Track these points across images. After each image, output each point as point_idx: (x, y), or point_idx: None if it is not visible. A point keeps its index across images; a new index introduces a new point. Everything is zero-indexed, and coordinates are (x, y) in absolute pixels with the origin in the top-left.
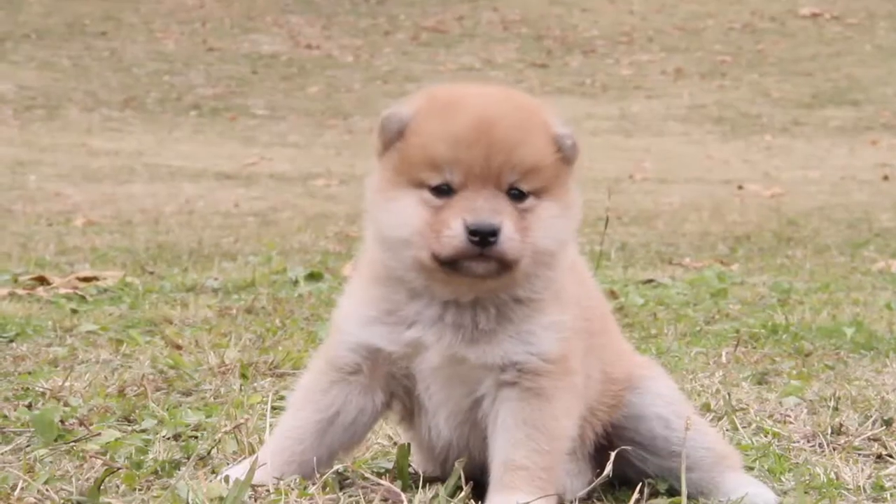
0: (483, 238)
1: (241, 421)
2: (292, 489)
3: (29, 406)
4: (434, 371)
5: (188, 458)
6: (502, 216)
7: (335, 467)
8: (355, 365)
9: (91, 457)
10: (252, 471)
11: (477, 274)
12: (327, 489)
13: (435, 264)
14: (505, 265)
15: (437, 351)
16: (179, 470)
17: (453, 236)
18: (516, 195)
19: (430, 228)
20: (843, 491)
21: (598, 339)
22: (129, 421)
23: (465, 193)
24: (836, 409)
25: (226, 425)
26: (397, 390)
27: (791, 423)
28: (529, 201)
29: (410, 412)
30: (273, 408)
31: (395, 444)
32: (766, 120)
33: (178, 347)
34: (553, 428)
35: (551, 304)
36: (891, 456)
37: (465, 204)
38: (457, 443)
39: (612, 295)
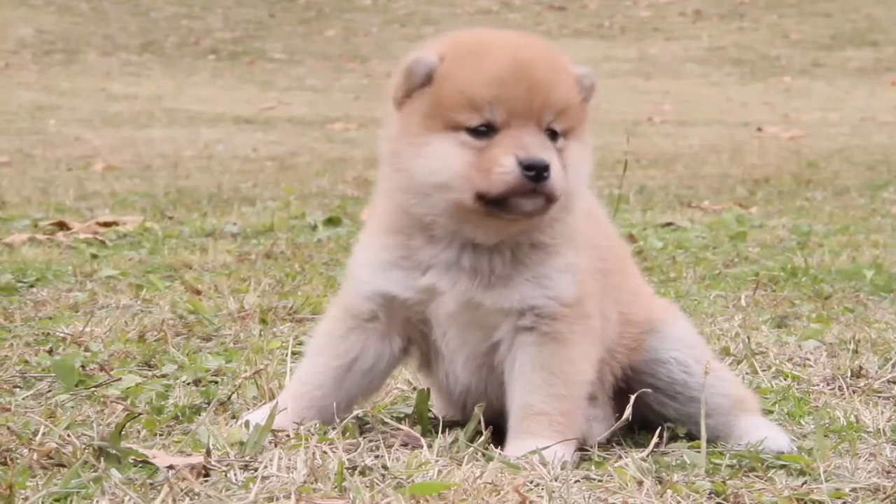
0: (538, 173)
1: (261, 366)
2: (312, 434)
3: (50, 351)
4: (450, 317)
5: (208, 404)
6: (550, 152)
7: (355, 412)
8: (371, 312)
9: (112, 402)
10: (272, 416)
11: (525, 210)
12: (347, 434)
13: (477, 204)
14: (550, 201)
15: (452, 297)
16: (200, 415)
17: (506, 172)
18: (551, 135)
19: (476, 168)
20: (862, 434)
21: (615, 279)
22: (149, 366)
23: (509, 132)
24: (855, 351)
25: (246, 370)
26: (414, 336)
27: (811, 366)
28: (561, 141)
29: (428, 358)
30: (293, 353)
31: (414, 389)
32: (786, 61)
33: (198, 293)
34: (570, 372)
35: (565, 247)
36: None
37: (512, 141)
38: (475, 387)
39: (631, 238)
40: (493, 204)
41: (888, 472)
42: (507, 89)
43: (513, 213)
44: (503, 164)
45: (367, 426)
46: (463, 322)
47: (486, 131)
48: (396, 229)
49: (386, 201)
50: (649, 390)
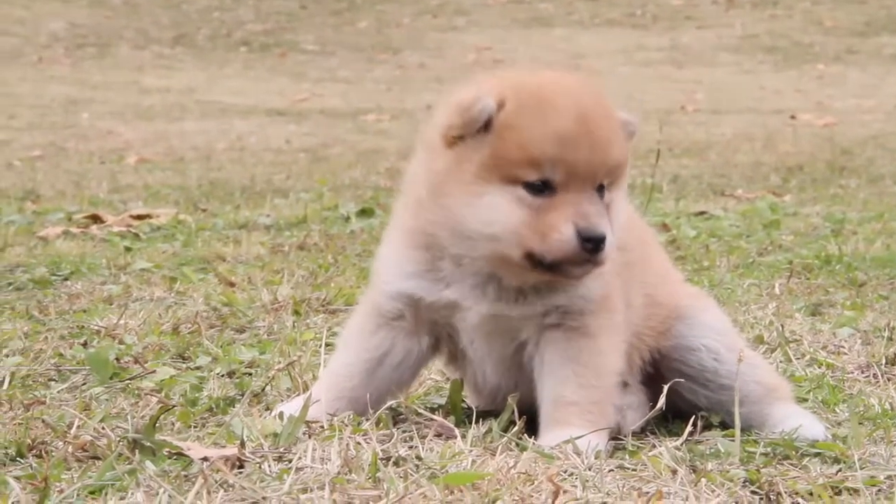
0: (596, 245)
1: (295, 358)
2: (346, 425)
3: (84, 344)
4: (475, 327)
5: (242, 395)
6: (605, 220)
7: (388, 403)
8: (397, 311)
9: (146, 394)
10: (306, 407)
11: (575, 276)
12: (381, 425)
13: (525, 262)
14: (597, 266)
15: (475, 312)
16: (234, 407)
17: (565, 241)
18: (600, 190)
19: (532, 229)
20: None
21: (638, 266)
22: (183, 358)
23: (568, 196)
24: (890, 339)
25: (279, 362)
26: (442, 335)
27: (845, 353)
28: (607, 196)
29: (456, 356)
30: (326, 344)
31: (448, 379)
32: (819, 49)
33: (231, 285)
34: (599, 363)
35: None
36: None
37: (572, 208)
38: (504, 386)
39: (665, 227)
40: (545, 266)
41: None
42: (570, 150)
43: (562, 276)
44: (562, 232)
45: (401, 417)
46: (488, 331)
47: (541, 187)
48: (424, 247)
49: (416, 221)
50: (682, 380)
